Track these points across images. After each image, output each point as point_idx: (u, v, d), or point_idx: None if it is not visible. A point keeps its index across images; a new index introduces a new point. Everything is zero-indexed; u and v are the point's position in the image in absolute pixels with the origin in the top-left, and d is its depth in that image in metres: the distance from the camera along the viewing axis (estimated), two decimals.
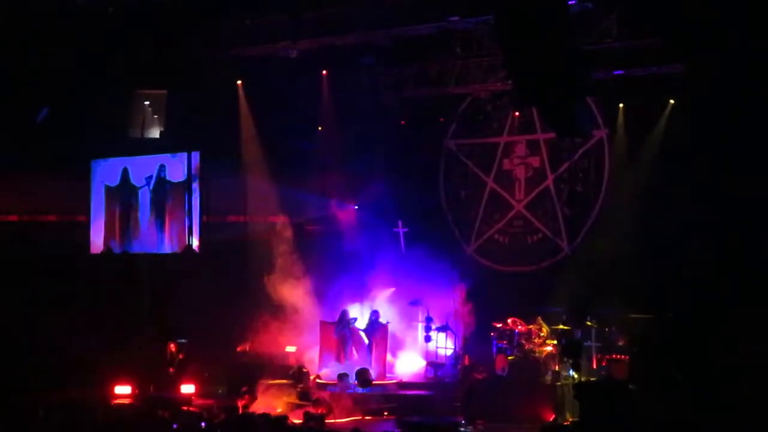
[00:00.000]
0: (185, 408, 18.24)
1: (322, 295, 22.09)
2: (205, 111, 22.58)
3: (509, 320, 20.27)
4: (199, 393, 20.29)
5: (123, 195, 24.78)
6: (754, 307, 18.10)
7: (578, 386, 17.57)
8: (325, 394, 19.50)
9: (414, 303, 22.01)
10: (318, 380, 20.61)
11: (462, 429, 17.61)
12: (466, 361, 20.80)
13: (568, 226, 22.84)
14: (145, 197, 24.59)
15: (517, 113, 23.23)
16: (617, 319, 19.96)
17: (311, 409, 18.49)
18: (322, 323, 21.68)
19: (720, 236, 19.24)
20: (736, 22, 17.43)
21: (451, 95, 23.15)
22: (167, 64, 22.01)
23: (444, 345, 21.51)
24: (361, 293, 22.09)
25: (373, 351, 21.16)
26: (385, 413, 19.30)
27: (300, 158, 23.64)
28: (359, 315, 21.63)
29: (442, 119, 24.59)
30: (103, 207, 24.86)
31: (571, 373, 18.84)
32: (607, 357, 19.77)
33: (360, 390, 19.74)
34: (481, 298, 21.75)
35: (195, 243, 23.49)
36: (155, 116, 24.16)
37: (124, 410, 17.67)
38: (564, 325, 20.06)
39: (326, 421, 18.18)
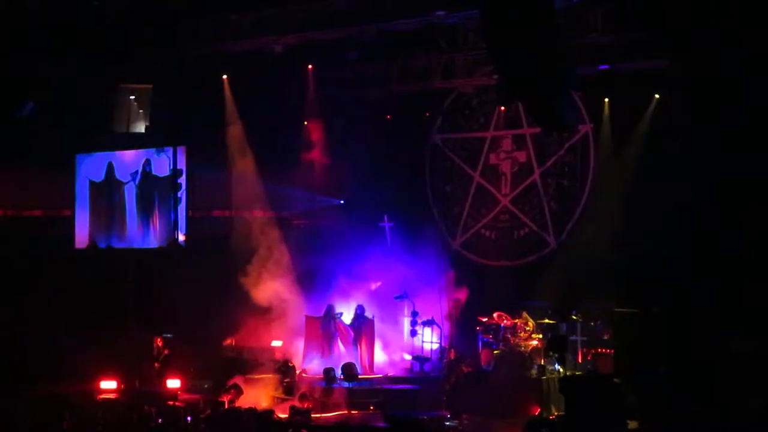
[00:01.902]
0: (171, 403, 18.24)
1: (307, 289, 22.11)
2: (191, 106, 22.51)
3: (495, 314, 20.33)
4: (184, 388, 20.27)
5: (108, 190, 24.70)
6: (741, 302, 18.12)
7: (564, 380, 17.63)
8: (311, 389, 19.50)
9: (400, 297, 22.06)
10: (304, 375, 20.62)
11: (448, 423, 17.67)
12: (452, 355, 20.83)
13: (555, 220, 22.83)
14: (130, 192, 24.48)
15: (503, 108, 23.20)
16: (603, 313, 19.99)
17: (297, 404, 18.51)
18: (308, 318, 21.67)
19: (706, 230, 19.27)
20: (720, 17, 17.48)
21: (436, 90, 23.14)
22: (152, 59, 21.93)
23: (430, 339, 21.55)
24: (346, 288, 22.08)
25: (359, 345, 21.19)
26: (371, 407, 19.29)
27: (285, 153, 23.62)
28: (345, 309, 21.64)
29: (427, 114, 24.58)
30: (88, 202, 24.77)
31: (557, 367, 18.84)
32: (593, 351, 19.85)
33: (346, 384, 19.72)
34: (467, 292, 21.81)
35: (181, 238, 23.42)
36: (140, 111, 24.03)
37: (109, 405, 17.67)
38: (549, 319, 20.11)
39: (312, 415, 18.24)
